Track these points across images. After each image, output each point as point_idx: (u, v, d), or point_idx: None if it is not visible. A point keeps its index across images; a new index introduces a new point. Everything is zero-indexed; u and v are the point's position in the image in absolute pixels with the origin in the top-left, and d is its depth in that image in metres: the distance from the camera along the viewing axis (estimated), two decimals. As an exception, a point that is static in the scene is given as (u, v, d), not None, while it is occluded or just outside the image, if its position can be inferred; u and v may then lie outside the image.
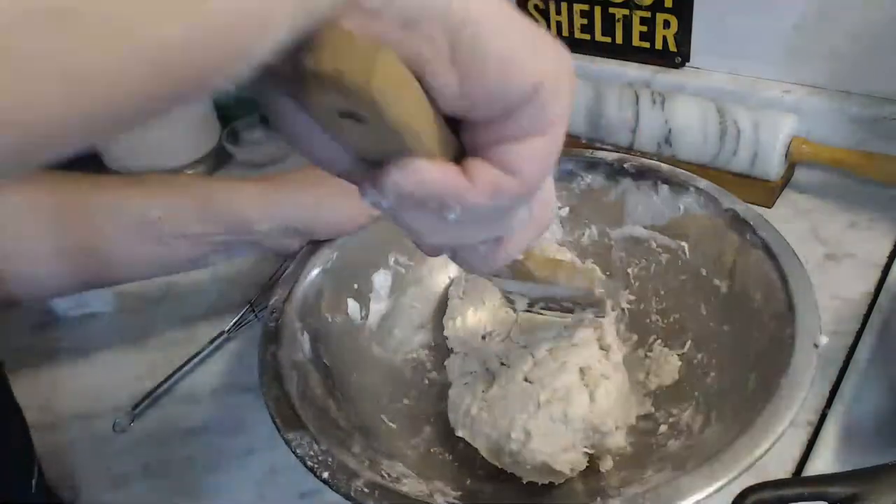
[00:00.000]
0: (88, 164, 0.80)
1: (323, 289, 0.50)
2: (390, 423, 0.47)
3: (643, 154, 0.69)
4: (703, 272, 0.49)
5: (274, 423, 0.39)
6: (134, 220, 0.47)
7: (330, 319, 0.49)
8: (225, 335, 0.59)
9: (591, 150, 0.55)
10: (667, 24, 0.70)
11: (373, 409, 0.47)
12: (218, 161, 0.83)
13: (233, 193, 0.49)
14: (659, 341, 0.50)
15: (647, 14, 0.71)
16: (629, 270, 0.54)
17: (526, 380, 0.43)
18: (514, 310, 0.45)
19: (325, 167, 0.24)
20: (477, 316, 0.52)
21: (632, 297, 0.53)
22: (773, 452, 0.44)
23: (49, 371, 0.60)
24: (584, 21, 0.76)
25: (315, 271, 0.50)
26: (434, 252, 0.27)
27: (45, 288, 0.49)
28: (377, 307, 0.52)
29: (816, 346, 0.37)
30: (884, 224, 0.59)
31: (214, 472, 0.50)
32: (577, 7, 0.75)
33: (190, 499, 0.48)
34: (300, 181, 0.50)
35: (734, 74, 0.70)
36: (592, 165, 0.54)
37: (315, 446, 0.37)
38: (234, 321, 0.60)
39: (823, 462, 0.42)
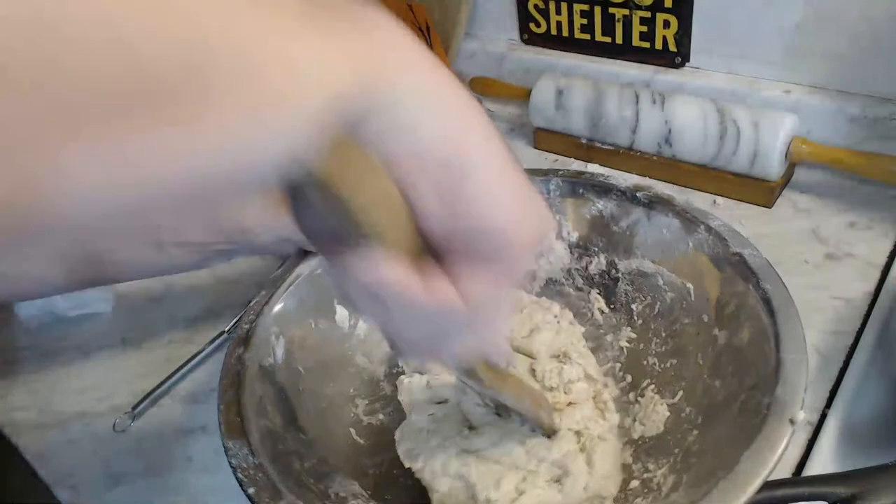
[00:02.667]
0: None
1: (310, 294, 0.49)
2: (357, 438, 0.46)
3: (643, 154, 0.69)
4: (705, 318, 0.46)
5: (219, 428, 0.39)
6: (134, 227, 0.47)
7: (313, 325, 0.48)
8: (225, 335, 0.59)
9: (605, 175, 0.54)
10: (667, 24, 0.70)
11: (342, 422, 0.46)
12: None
13: (236, 206, 0.48)
14: (652, 387, 0.47)
15: (647, 14, 0.71)
16: (633, 306, 0.51)
17: (520, 441, 0.41)
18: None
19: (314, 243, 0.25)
20: None
21: (633, 336, 0.51)
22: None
23: (49, 371, 0.60)
24: (584, 21, 0.76)
25: (302, 277, 0.49)
26: (399, 351, 0.28)
27: (39, 287, 0.49)
28: None
29: (792, 422, 0.34)
30: (884, 224, 0.59)
31: (214, 472, 0.50)
32: (577, 7, 0.75)
33: (189, 499, 0.48)
34: None
35: (734, 74, 0.70)
36: (605, 191, 0.52)
37: (250, 458, 0.36)
38: (234, 321, 0.60)
39: (823, 462, 0.42)
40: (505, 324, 0.28)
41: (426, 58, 0.21)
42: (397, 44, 0.21)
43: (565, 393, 0.44)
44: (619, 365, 0.50)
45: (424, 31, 0.79)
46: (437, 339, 0.26)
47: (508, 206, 0.23)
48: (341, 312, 0.50)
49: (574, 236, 0.54)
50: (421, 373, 0.47)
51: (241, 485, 0.36)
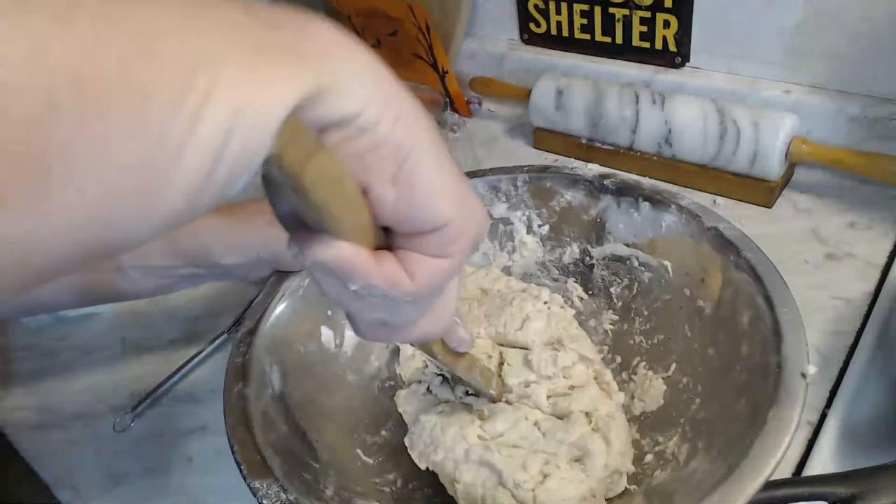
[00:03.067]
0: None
1: (294, 318, 0.48)
2: (366, 459, 0.45)
3: (643, 154, 0.69)
4: (687, 292, 0.47)
5: (239, 469, 0.37)
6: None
7: (302, 350, 0.48)
8: (225, 335, 0.59)
9: (570, 167, 0.54)
10: (667, 24, 0.70)
11: (348, 445, 0.45)
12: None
13: (196, 228, 0.47)
14: (644, 363, 0.48)
15: (647, 14, 0.71)
16: (612, 290, 0.52)
17: (535, 424, 0.42)
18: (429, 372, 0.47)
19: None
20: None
21: (615, 318, 0.52)
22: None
23: (49, 371, 0.60)
24: (584, 21, 0.76)
25: (284, 301, 0.48)
26: (360, 332, 0.31)
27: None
28: (352, 333, 0.51)
29: (804, 375, 0.35)
30: (884, 224, 0.59)
31: (214, 472, 0.50)
32: (577, 7, 0.75)
33: (190, 499, 0.48)
34: (267, 211, 0.49)
35: (734, 74, 0.70)
36: (573, 183, 0.53)
37: (283, 495, 0.35)
38: (234, 321, 0.60)
39: (823, 462, 0.42)
40: (450, 310, 0.32)
41: (366, 56, 0.23)
42: (340, 47, 0.23)
43: (565, 377, 0.44)
44: (606, 347, 0.51)
45: (424, 31, 0.79)
46: (390, 318, 0.29)
47: (451, 198, 0.26)
48: (326, 333, 0.50)
49: (545, 229, 0.55)
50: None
51: None
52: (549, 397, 0.44)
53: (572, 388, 0.44)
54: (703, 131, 0.64)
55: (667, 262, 0.49)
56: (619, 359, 0.50)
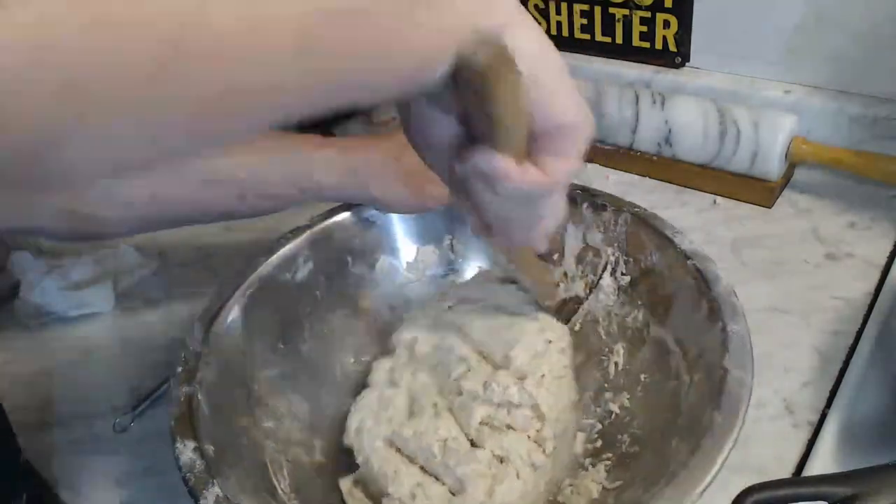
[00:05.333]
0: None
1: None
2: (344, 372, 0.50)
3: (643, 154, 0.69)
4: (680, 422, 0.41)
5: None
6: (223, 177, 0.49)
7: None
8: (225, 335, 0.59)
9: (673, 229, 0.49)
10: (667, 24, 0.70)
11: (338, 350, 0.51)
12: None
13: (313, 161, 0.52)
14: (608, 463, 0.44)
15: (647, 14, 0.71)
16: (643, 376, 0.47)
17: (443, 442, 0.42)
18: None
19: (427, 153, 0.34)
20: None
21: (627, 406, 0.47)
22: (773, 452, 0.44)
23: (49, 371, 0.60)
24: (584, 21, 0.76)
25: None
26: (484, 230, 0.37)
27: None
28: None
29: None
30: (884, 224, 0.59)
31: (214, 472, 0.50)
32: (577, 7, 0.75)
33: (190, 499, 0.48)
34: (378, 150, 0.54)
35: (734, 74, 0.70)
36: (665, 246, 0.49)
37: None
38: (234, 321, 0.60)
39: (823, 462, 0.42)
40: (564, 201, 0.36)
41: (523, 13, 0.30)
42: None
43: (507, 413, 0.43)
44: (599, 426, 0.47)
45: (424, 31, 0.80)
46: (524, 216, 0.35)
47: (576, 109, 0.31)
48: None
49: (625, 280, 0.51)
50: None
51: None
52: (481, 423, 0.42)
53: (509, 427, 0.43)
54: (703, 131, 0.64)
55: (687, 379, 0.43)
56: (599, 443, 0.46)
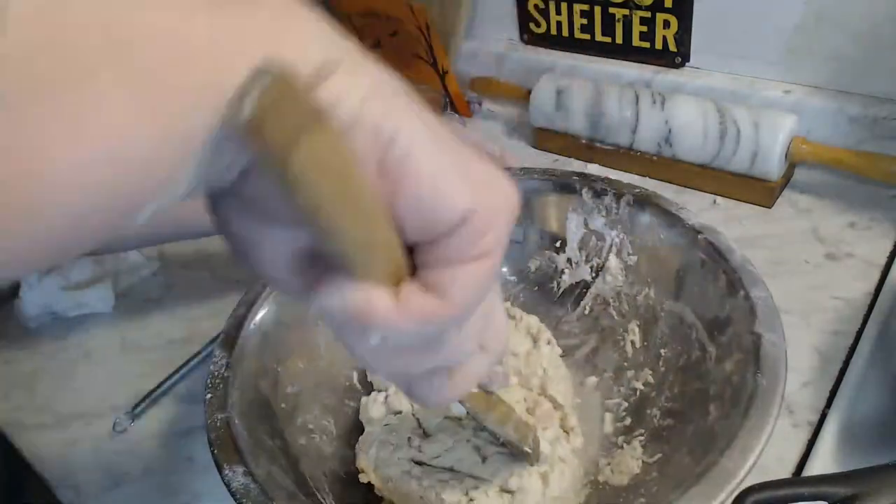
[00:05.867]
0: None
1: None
2: (356, 383, 0.48)
3: (643, 154, 0.69)
4: (712, 391, 0.42)
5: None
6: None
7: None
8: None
9: (677, 206, 0.50)
10: (667, 24, 0.70)
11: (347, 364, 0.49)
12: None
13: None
14: (641, 439, 0.45)
15: (647, 14, 0.71)
16: (662, 351, 0.48)
17: (476, 449, 0.42)
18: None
19: (267, 275, 0.23)
20: None
21: (651, 381, 0.48)
22: (773, 452, 0.44)
23: (49, 371, 0.60)
24: (584, 21, 0.76)
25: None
26: (388, 382, 0.27)
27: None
28: None
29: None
30: (884, 224, 0.59)
31: (214, 472, 0.50)
32: (577, 7, 0.75)
33: (189, 499, 0.48)
34: None
35: (734, 74, 0.70)
36: (672, 223, 0.49)
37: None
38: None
39: (823, 462, 0.42)
40: (502, 320, 0.27)
41: (324, 23, 0.20)
42: (302, 17, 0.19)
43: (526, 412, 0.44)
44: (625, 404, 0.48)
45: (424, 32, 0.79)
46: (434, 356, 0.24)
47: (463, 182, 0.21)
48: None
49: (633, 259, 0.52)
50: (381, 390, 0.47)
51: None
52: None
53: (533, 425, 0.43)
54: (703, 131, 0.64)
55: (713, 350, 0.44)
56: (628, 422, 0.47)
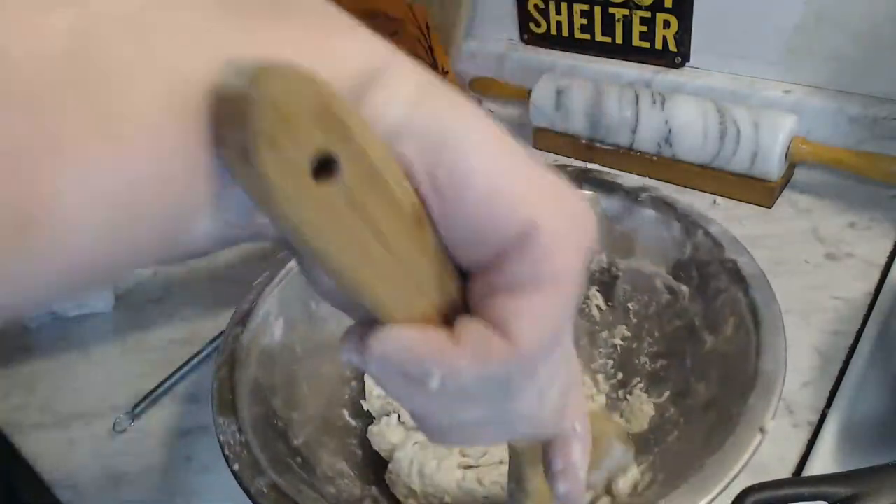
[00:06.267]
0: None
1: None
2: (349, 420, 0.46)
3: (643, 154, 0.69)
4: (697, 322, 0.45)
5: (210, 403, 0.39)
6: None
7: (314, 306, 0.48)
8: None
9: (612, 173, 0.53)
10: (667, 24, 0.70)
11: (336, 403, 0.47)
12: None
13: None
14: (641, 385, 0.47)
15: (647, 14, 0.71)
16: (630, 305, 0.51)
17: None
18: None
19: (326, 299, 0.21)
20: None
21: (627, 334, 0.51)
22: (773, 452, 0.44)
23: (49, 371, 0.60)
24: (584, 21, 0.76)
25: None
26: (441, 439, 0.22)
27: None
28: None
29: (762, 430, 0.34)
30: (884, 224, 0.59)
31: (214, 472, 0.50)
32: (577, 7, 0.75)
33: (189, 499, 0.48)
34: None
35: (734, 74, 0.70)
36: (611, 190, 0.52)
37: (237, 436, 0.37)
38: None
39: (823, 462, 0.42)
40: (578, 380, 0.22)
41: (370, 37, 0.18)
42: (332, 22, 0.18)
43: None
44: (611, 362, 0.50)
45: (424, 31, 0.79)
46: (495, 409, 0.20)
47: (529, 191, 0.18)
48: None
49: None
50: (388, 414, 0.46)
51: (226, 461, 0.37)
52: None
53: None
54: (703, 131, 0.64)
55: (685, 288, 0.47)
56: (620, 375, 0.49)
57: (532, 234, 0.17)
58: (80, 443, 0.53)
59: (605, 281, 0.53)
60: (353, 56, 0.17)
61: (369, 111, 0.17)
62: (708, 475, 0.33)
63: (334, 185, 0.15)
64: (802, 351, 0.50)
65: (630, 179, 0.52)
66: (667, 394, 0.45)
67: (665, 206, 0.49)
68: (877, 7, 0.59)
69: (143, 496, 0.49)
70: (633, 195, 0.51)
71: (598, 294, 0.53)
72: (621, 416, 0.46)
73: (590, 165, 0.73)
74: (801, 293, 0.54)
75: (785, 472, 0.43)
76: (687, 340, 0.46)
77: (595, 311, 0.52)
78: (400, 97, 0.17)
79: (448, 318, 0.18)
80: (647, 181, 0.52)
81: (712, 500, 0.32)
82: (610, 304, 0.52)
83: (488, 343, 0.18)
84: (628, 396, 0.48)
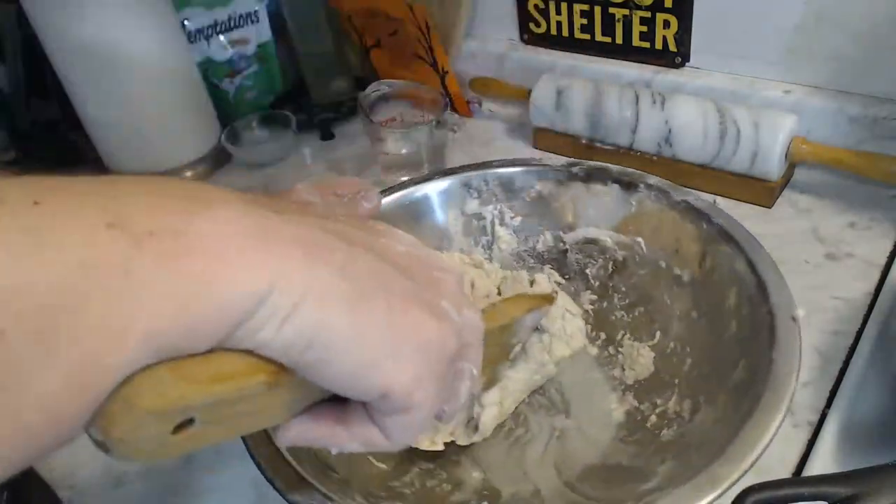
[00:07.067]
0: (87, 162, 0.80)
1: None
2: (379, 464, 0.44)
3: (643, 154, 0.69)
4: (663, 264, 0.50)
5: (273, 485, 0.35)
6: None
7: None
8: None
9: (537, 158, 0.57)
10: (667, 24, 0.70)
11: (357, 455, 0.43)
12: (217, 161, 0.83)
13: None
14: (628, 336, 0.51)
15: (647, 14, 0.71)
16: (587, 271, 0.54)
17: None
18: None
19: None
20: None
21: (594, 297, 0.54)
22: (773, 452, 0.44)
23: (49, 371, 0.60)
24: (584, 21, 0.76)
25: None
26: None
27: None
28: None
29: (794, 319, 0.38)
30: (884, 224, 0.59)
31: (214, 472, 0.50)
32: (577, 7, 0.75)
33: (190, 499, 0.48)
34: None
35: (734, 74, 0.70)
36: (541, 174, 0.55)
37: None
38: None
39: (823, 462, 0.42)
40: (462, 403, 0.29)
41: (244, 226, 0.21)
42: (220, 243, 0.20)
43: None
44: (589, 326, 0.52)
45: (424, 31, 0.79)
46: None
47: (374, 361, 0.23)
48: None
49: (517, 221, 0.56)
50: None
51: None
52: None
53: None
54: (703, 131, 0.64)
55: (639, 239, 0.51)
56: (602, 335, 0.52)
57: (388, 396, 0.24)
58: (80, 443, 0.53)
59: (555, 258, 0.56)
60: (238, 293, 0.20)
61: (244, 335, 0.21)
62: (778, 372, 0.36)
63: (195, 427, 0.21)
64: (803, 351, 0.50)
65: (557, 159, 0.56)
66: (658, 334, 0.49)
67: (598, 172, 0.53)
68: (877, 7, 0.59)
69: (143, 496, 0.49)
70: (563, 172, 0.54)
71: (553, 271, 0.55)
72: (623, 368, 0.49)
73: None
74: (801, 293, 0.54)
75: (785, 472, 0.43)
76: (659, 283, 0.50)
77: (555, 287, 0.54)
78: (274, 322, 0.21)
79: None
80: (573, 159, 0.56)
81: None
82: (567, 277, 0.55)
83: (373, 438, 0.26)
84: (620, 349, 0.50)
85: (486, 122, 0.84)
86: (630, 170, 0.52)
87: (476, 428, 0.44)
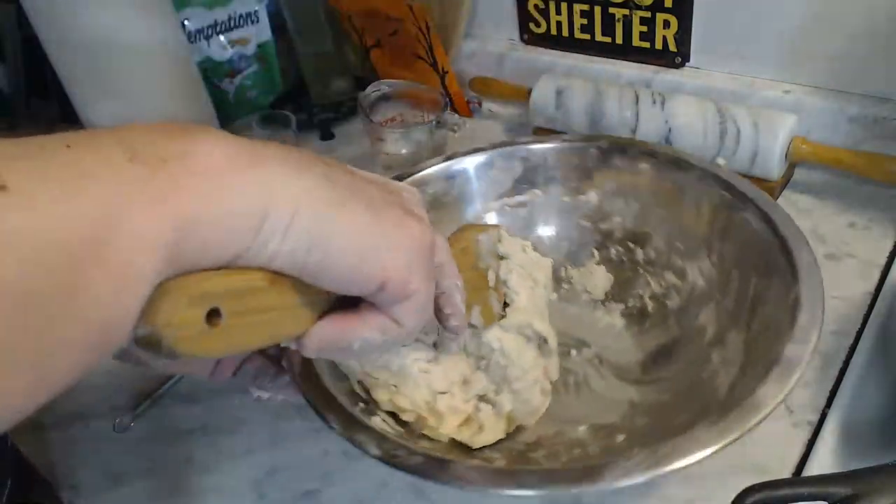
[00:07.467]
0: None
1: None
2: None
3: (643, 154, 0.69)
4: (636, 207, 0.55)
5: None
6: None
7: None
8: (225, 335, 0.59)
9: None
10: (667, 24, 0.70)
11: None
12: (218, 161, 0.83)
13: None
14: (594, 259, 0.56)
15: (647, 14, 0.71)
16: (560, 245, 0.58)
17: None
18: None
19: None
20: None
21: (574, 268, 0.57)
22: (773, 452, 0.44)
23: (49, 371, 0.60)
24: (584, 21, 0.76)
25: None
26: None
27: None
28: None
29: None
30: (884, 224, 0.59)
31: (214, 472, 0.50)
32: (577, 7, 0.75)
33: (190, 499, 0.48)
34: None
35: (734, 74, 0.70)
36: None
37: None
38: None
39: (823, 462, 0.42)
40: (456, 295, 0.34)
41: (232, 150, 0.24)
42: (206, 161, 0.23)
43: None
44: (564, 289, 0.56)
45: (424, 31, 0.79)
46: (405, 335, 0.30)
47: (365, 260, 0.26)
48: None
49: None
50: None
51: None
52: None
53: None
54: (703, 131, 0.64)
55: (592, 194, 0.56)
56: (574, 272, 0.57)
57: (387, 284, 0.27)
58: (80, 443, 0.53)
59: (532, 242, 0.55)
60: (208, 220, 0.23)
61: (258, 250, 0.24)
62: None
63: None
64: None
65: (526, 140, 0.58)
66: (627, 289, 0.54)
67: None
68: (877, 7, 0.59)
69: (143, 496, 0.49)
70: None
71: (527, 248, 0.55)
72: (585, 290, 0.55)
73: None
74: (801, 293, 0.54)
75: (785, 472, 0.43)
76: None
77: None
78: (272, 239, 0.24)
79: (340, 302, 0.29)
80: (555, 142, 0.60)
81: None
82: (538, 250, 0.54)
83: (386, 325, 0.29)
84: (579, 269, 0.56)
85: (486, 122, 0.84)
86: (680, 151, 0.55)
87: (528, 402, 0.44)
